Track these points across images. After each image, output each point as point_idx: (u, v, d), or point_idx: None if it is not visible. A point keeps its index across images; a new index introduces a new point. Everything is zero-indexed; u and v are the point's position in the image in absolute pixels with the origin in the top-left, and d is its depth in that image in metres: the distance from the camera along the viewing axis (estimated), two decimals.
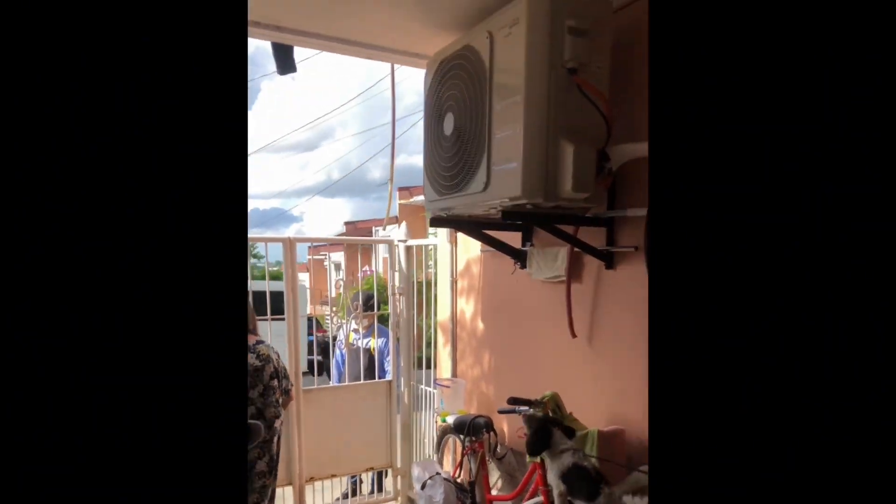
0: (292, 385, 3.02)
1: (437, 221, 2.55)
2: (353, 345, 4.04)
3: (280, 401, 2.84)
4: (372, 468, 3.84)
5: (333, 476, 3.69)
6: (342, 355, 4.21)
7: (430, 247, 3.80)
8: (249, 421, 1.49)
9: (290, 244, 3.55)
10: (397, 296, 3.91)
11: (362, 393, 3.80)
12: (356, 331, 4.14)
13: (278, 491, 3.56)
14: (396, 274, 3.94)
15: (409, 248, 3.89)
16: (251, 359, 2.72)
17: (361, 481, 4.11)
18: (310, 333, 7.09)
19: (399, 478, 3.87)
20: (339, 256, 14.73)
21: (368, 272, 3.95)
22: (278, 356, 2.87)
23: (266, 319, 3.46)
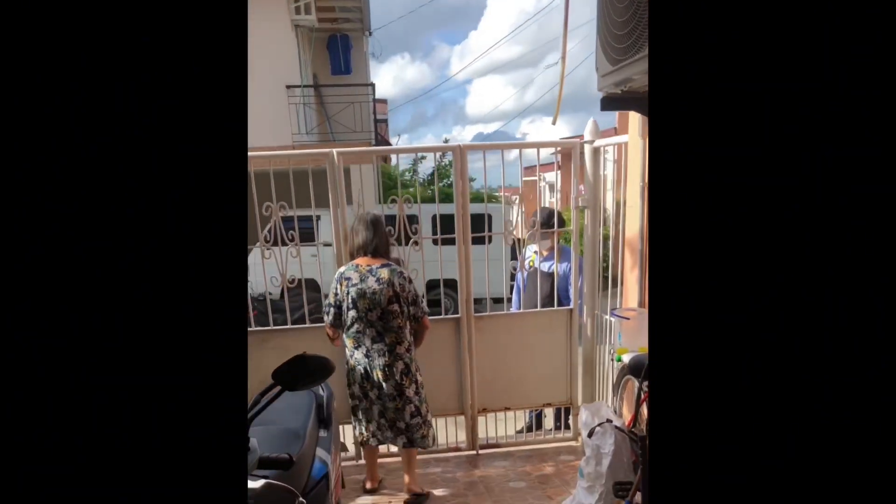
0: (425, 313, 2.99)
1: (609, 102, 2.13)
2: (531, 268, 3.64)
3: (406, 327, 2.89)
4: (550, 404, 3.59)
5: (507, 409, 3.53)
6: (524, 280, 3.85)
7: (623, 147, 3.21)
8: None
9: (460, 153, 3.29)
10: (581, 209, 3.39)
11: (540, 322, 3.49)
12: (538, 253, 3.72)
13: (449, 420, 3.45)
14: (582, 184, 3.43)
15: (595, 151, 3.34)
16: (370, 281, 2.83)
17: (545, 415, 3.81)
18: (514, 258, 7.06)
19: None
20: (554, 177, 14.30)
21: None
22: (405, 282, 2.89)
23: (430, 238, 3.39)
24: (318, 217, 5.48)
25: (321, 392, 2.07)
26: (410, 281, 2.94)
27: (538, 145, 3.60)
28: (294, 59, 9.65)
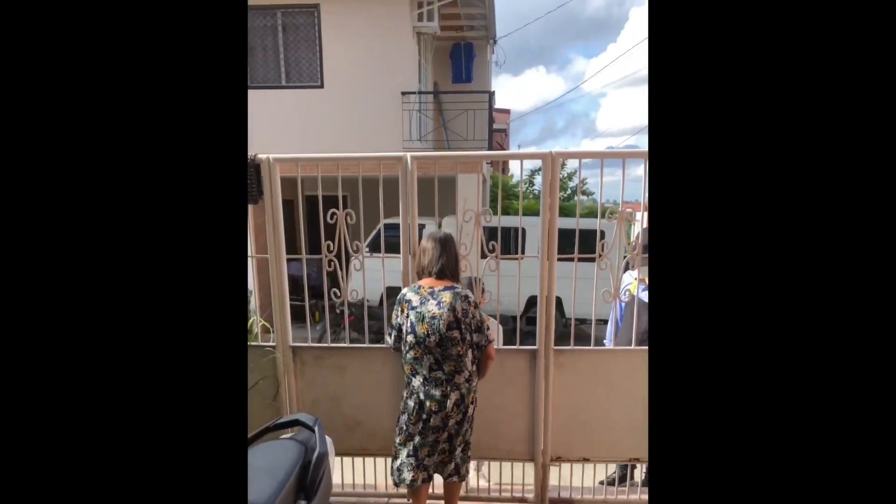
0: (489, 341, 2.68)
1: None
2: (629, 297, 3.13)
3: (467, 355, 2.62)
4: (638, 460, 3.02)
5: (586, 460, 3.00)
6: (621, 310, 3.34)
7: None
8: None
9: (551, 161, 2.93)
10: None
11: (635, 361, 3.03)
12: (640, 280, 3.21)
13: (516, 465, 3.05)
14: None
15: None
16: (430, 304, 2.60)
17: (635, 466, 3.27)
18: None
19: None
20: None
21: None
22: (469, 306, 2.62)
23: (516, 259, 3.08)
24: (423, 226, 5.26)
25: (313, 444, 1.73)
26: (476, 306, 2.64)
27: (643, 155, 3.09)
28: (413, 67, 9.61)
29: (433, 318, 2.56)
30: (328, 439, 1.88)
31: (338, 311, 7.85)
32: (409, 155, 2.98)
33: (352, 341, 3.22)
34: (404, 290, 2.73)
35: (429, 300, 2.60)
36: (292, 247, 3.16)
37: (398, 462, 2.69)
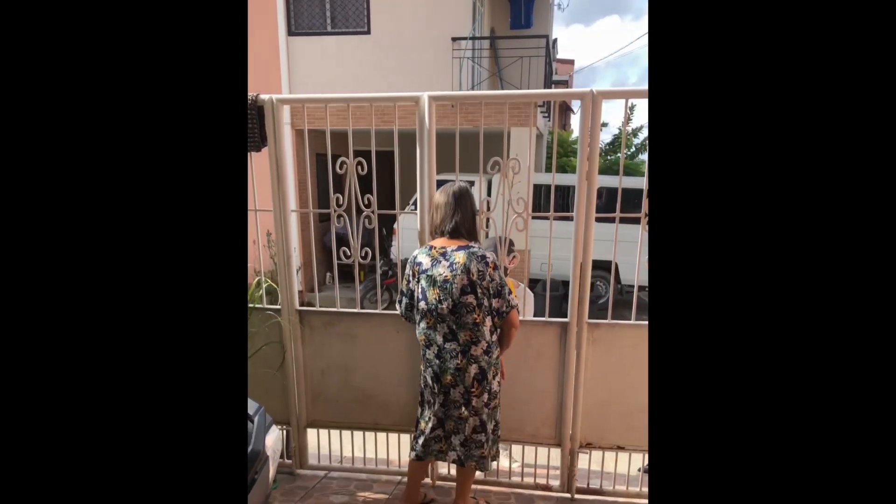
0: (512, 306, 2.35)
1: None
2: None
3: (485, 324, 2.31)
4: None
5: (619, 449, 2.67)
6: None
7: None
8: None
9: (592, 100, 2.55)
10: None
11: None
12: None
13: (540, 451, 2.78)
14: None
15: None
16: (441, 267, 2.30)
17: None
18: None
19: None
20: None
21: None
22: (487, 268, 2.29)
23: (546, 217, 2.71)
24: (472, 183, 5.00)
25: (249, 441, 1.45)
26: (496, 267, 2.30)
27: None
28: (467, 10, 9.10)
29: (445, 281, 2.27)
30: (275, 433, 1.62)
31: (385, 271, 7.66)
32: (426, 95, 2.64)
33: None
34: (415, 252, 2.43)
35: (440, 262, 2.30)
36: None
37: (424, 437, 2.42)
